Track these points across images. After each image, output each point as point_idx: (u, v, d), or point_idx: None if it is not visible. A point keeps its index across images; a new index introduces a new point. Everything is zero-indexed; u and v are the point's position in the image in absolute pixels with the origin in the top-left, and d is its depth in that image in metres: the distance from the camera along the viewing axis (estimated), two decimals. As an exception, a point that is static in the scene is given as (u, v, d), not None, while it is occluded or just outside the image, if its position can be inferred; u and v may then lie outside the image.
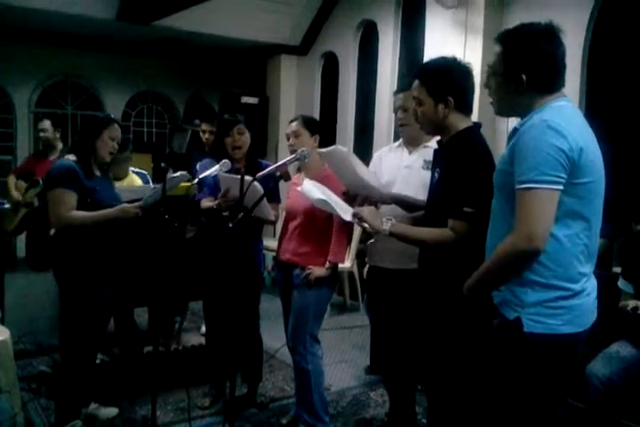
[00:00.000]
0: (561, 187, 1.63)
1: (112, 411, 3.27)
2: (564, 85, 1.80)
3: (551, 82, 1.77)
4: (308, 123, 3.06)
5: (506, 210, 1.75)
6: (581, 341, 1.79)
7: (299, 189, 2.39)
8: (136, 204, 2.91)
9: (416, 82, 2.22)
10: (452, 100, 2.13)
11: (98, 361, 3.33)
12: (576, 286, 1.73)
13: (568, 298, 1.72)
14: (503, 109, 1.89)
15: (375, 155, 3.08)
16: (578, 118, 1.76)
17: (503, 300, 1.80)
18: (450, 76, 2.16)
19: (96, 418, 3.20)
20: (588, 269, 1.78)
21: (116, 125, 2.99)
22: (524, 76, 1.74)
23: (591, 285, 1.80)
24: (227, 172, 3.05)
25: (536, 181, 1.62)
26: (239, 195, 2.56)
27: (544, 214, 1.63)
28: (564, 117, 1.69)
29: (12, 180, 4.70)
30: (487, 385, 1.88)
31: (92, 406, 3.23)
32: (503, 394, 1.83)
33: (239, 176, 2.60)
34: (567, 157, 1.62)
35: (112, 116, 3.08)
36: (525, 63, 1.74)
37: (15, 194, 4.57)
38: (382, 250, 2.80)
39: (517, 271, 1.73)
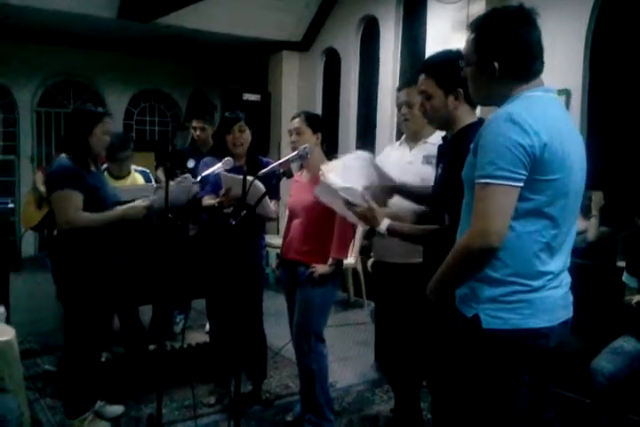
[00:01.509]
0: (520, 183, 1.56)
1: (118, 409, 3.29)
2: (541, 71, 1.73)
3: (525, 68, 1.69)
4: (310, 120, 3.04)
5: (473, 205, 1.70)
6: (553, 336, 1.72)
7: (322, 178, 2.37)
8: (145, 204, 2.91)
9: (422, 76, 2.19)
10: (462, 91, 2.11)
11: (103, 359, 3.35)
12: (535, 283, 1.66)
13: (526, 292, 1.66)
14: (481, 99, 1.85)
15: (381, 154, 3.10)
16: (552, 111, 1.68)
17: (462, 297, 1.75)
18: (458, 67, 2.13)
19: (102, 416, 3.21)
20: (554, 267, 1.70)
21: (107, 119, 2.96)
22: (496, 64, 1.67)
23: (558, 281, 1.72)
24: (228, 169, 3.05)
25: (494, 177, 1.55)
26: (241, 193, 2.55)
27: (500, 211, 1.56)
28: (533, 110, 1.61)
29: (39, 176, 4.68)
30: (461, 382, 1.85)
31: (99, 404, 3.24)
32: (477, 391, 1.78)
33: (241, 176, 2.60)
34: (527, 153, 1.55)
35: (101, 109, 3.01)
36: (497, 50, 1.67)
37: (42, 188, 4.56)
38: (390, 244, 2.75)
39: (474, 268, 1.65)
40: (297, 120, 3.04)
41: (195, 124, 4.46)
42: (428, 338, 2.30)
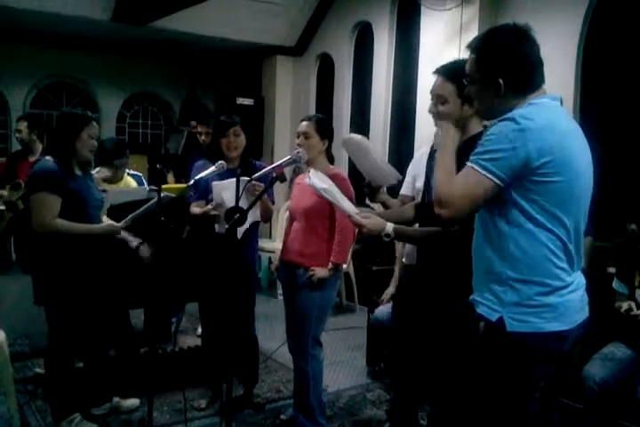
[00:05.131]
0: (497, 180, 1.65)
1: (134, 402, 3.33)
2: (543, 82, 1.80)
3: (527, 83, 1.77)
4: (320, 125, 3.01)
5: (487, 211, 1.76)
6: (571, 339, 1.77)
7: (306, 180, 2.36)
8: (121, 224, 2.97)
9: (440, 79, 2.19)
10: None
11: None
12: (555, 282, 1.71)
13: (548, 294, 1.70)
14: (488, 114, 1.90)
15: (415, 155, 3.07)
16: (557, 116, 1.74)
17: (485, 301, 1.78)
18: None
19: (119, 411, 3.27)
20: (569, 266, 1.75)
21: (93, 123, 2.95)
22: (500, 81, 1.73)
23: (576, 282, 1.77)
24: (222, 173, 3.05)
25: (479, 164, 1.66)
26: (234, 200, 2.55)
27: (469, 191, 1.68)
28: (537, 113, 1.68)
29: None
30: (477, 386, 1.86)
31: (115, 399, 3.29)
32: (493, 395, 1.80)
33: (232, 179, 2.61)
34: (522, 153, 1.63)
35: (89, 114, 3.02)
36: (500, 67, 1.74)
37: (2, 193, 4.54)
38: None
39: None
40: (307, 124, 3.00)
41: (200, 129, 4.55)
42: (445, 342, 2.27)
